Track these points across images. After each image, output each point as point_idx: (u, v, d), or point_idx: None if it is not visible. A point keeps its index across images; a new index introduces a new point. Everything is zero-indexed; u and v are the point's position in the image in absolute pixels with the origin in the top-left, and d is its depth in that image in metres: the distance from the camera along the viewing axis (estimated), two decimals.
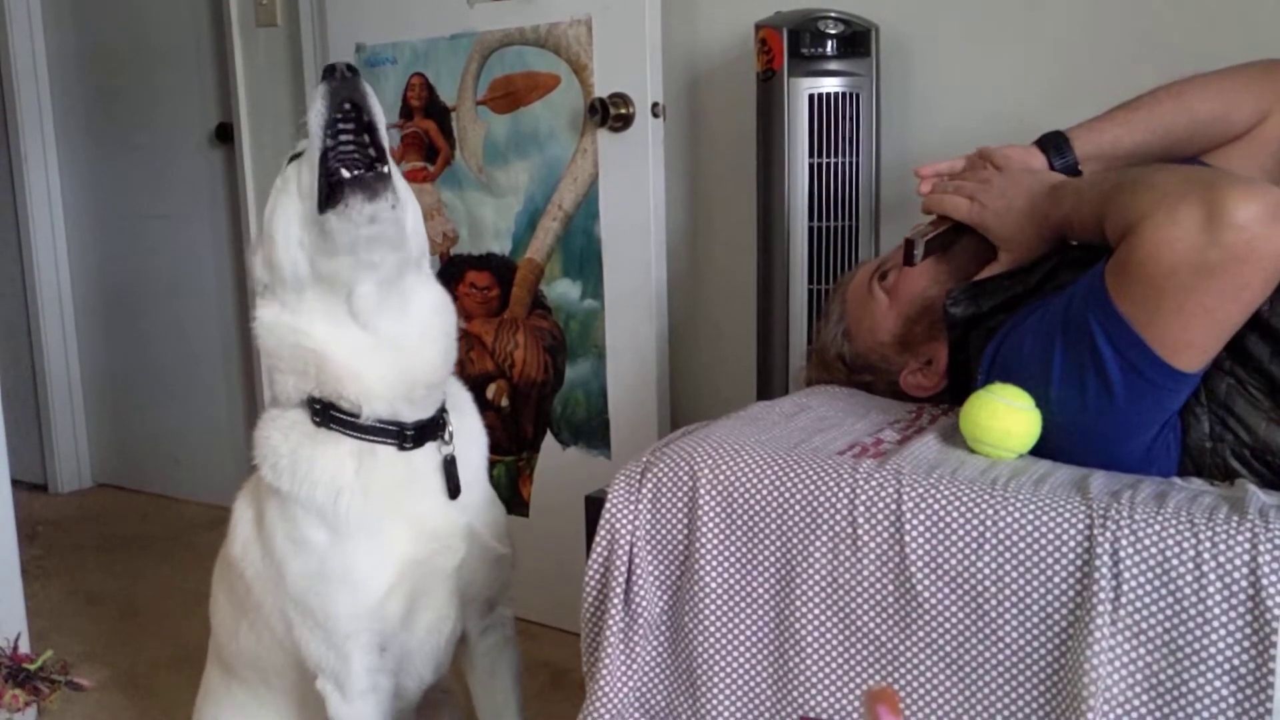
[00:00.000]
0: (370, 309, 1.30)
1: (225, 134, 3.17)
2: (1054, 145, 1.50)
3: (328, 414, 1.33)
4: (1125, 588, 1.04)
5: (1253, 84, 1.49)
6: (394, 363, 1.32)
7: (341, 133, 1.25)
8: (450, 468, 1.38)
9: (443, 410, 1.40)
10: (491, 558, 1.45)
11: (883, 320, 1.57)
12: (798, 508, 1.20)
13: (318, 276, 1.29)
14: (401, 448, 1.35)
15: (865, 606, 1.16)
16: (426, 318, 1.36)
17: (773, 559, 1.21)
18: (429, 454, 1.37)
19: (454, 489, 1.39)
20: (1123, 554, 1.05)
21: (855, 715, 1.17)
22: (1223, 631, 1.01)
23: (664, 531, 1.27)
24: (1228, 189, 1.08)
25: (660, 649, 1.28)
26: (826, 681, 1.18)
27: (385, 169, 1.26)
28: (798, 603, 1.19)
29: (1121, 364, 1.16)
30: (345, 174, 1.24)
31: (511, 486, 2.50)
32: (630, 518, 1.28)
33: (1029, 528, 1.09)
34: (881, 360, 1.57)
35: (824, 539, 1.18)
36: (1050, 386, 1.24)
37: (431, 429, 1.37)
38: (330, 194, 1.24)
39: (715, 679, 1.23)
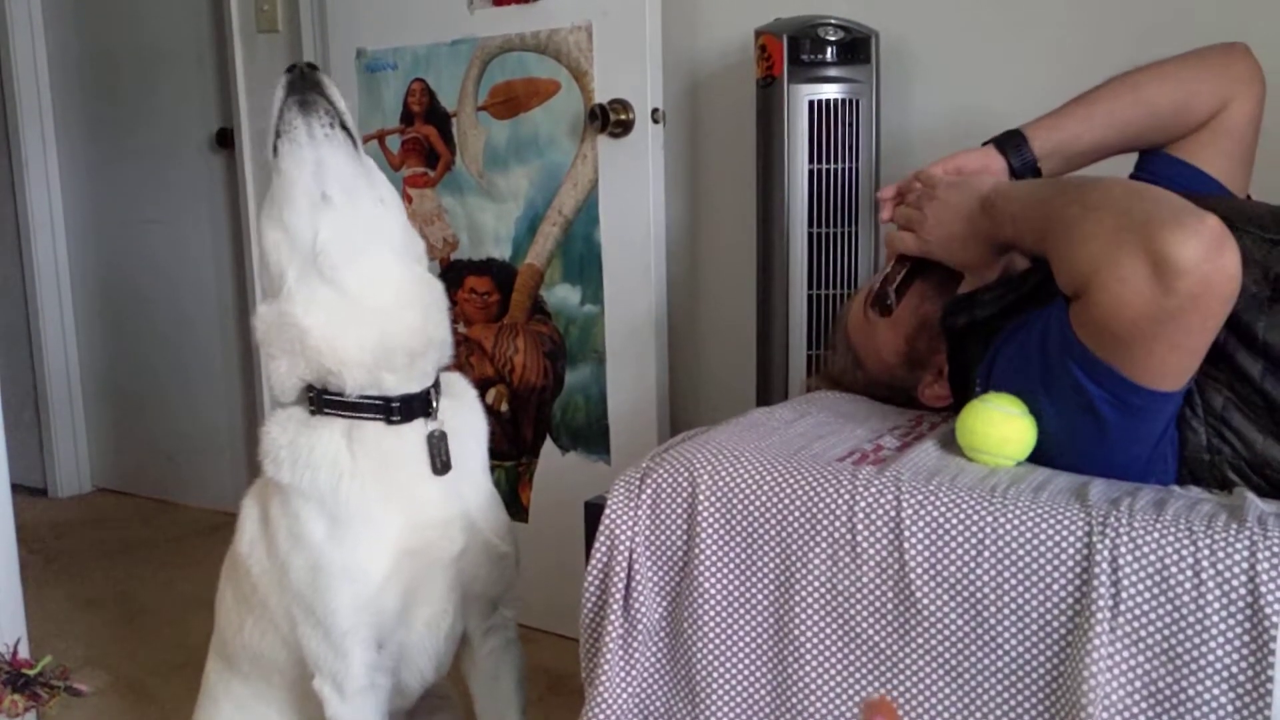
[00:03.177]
0: (335, 261, 1.33)
1: (226, 139, 3.17)
2: (1011, 144, 1.48)
3: (321, 400, 1.37)
4: (1124, 595, 1.04)
5: (1210, 72, 1.48)
6: (370, 327, 1.35)
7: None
8: (439, 443, 1.39)
9: (433, 389, 1.42)
10: (494, 555, 1.46)
11: (886, 343, 1.56)
12: (797, 514, 1.20)
13: (291, 246, 1.34)
14: (389, 421, 1.37)
15: (864, 613, 1.16)
16: (403, 285, 1.39)
17: (772, 565, 1.21)
18: (417, 429, 1.39)
19: (442, 465, 1.40)
20: (1121, 561, 1.05)
21: None
22: (1221, 639, 1.01)
23: (663, 537, 1.27)
24: (1162, 232, 1.05)
25: (659, 655, 1.28)
26: (825, 688, 1.18)
27: (316, 96, 1.33)
28: (797, 609, 1.19)
29: (1109, 400, 1.16)
30: (281, 93, 1.33)
31: (511, 491, 2.50)
32: (630, 524, 1.28)
33: (1028, 535, 1.09)
34: (895, 379, 1.57)
35: (823, 545, 1.18)
36: (1042, 423, 1.24)
37: (419, 405, 1.39)
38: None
39: (714, 685, 1.23)
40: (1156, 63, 1.48)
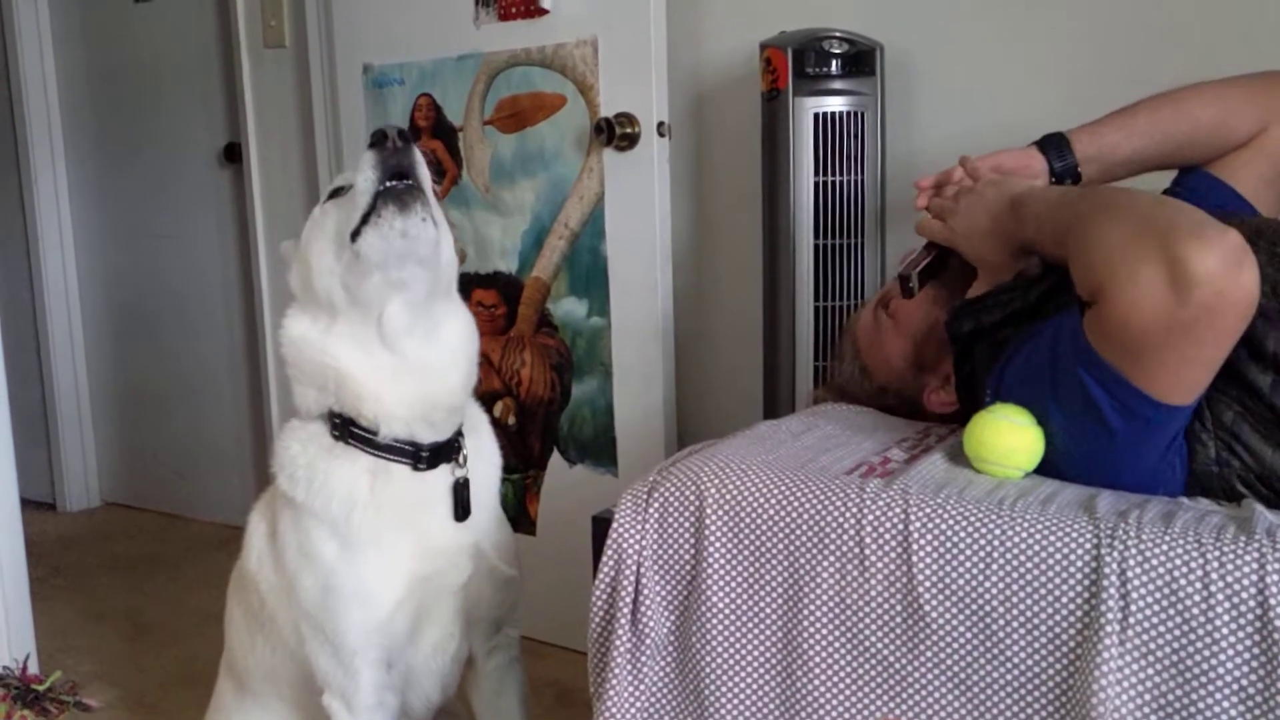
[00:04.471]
0: (399, 331, 1.32)
1: (233, 153, 3.19)
2: (1055, 147, 1.49)
3: (346, 429, 1.36)
4: (1133, 608, 1.04)
5: (1254, 94, 1.49)
6: (415, 386, 1.34)
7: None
8: (461, 491, 1.39)
9: (459, 434, 1.41)
10: (499, 579, 1.46)
11: (893, 346, 1.57)
12: (805, 527, 1.20)
13: (350, 300, 1.31)
14: (415, 468, 1.36)
15: (873, 627, 1.16)
16: (453, 344, 1.39)
17: (780, 579, 1.21)
18: (442, 475, 1.39)
19: (463, 512, 1.40)
20: (1130, 574, 1.05)
21: None
22: (1230, 652, 1.01)
23: (671, 551, 1.27)
24: (1183, 242, 1.06)
25: (667, 669, 1.28)
26: (834, 702, 1.18)
27: (414, 193, 1.28)
28: (805, 623, 1.19)
29: (1118, 408, 1.16)
30: (371, 173, 1.27)
31: (519, 504, 2.50)
32: (637, 537, 1.28)
33: (1036, 548, 1.09)
34: (902, 386, 1.58)
35: (831, 559, 1.18)
36: (1050, 434, 1.24)
37: (446, 451, 1.39)
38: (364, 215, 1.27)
39: (722, 699, 1.23)
40: (1200, 82, 1.50)
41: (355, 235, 1.27)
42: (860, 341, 1.64)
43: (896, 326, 1.57)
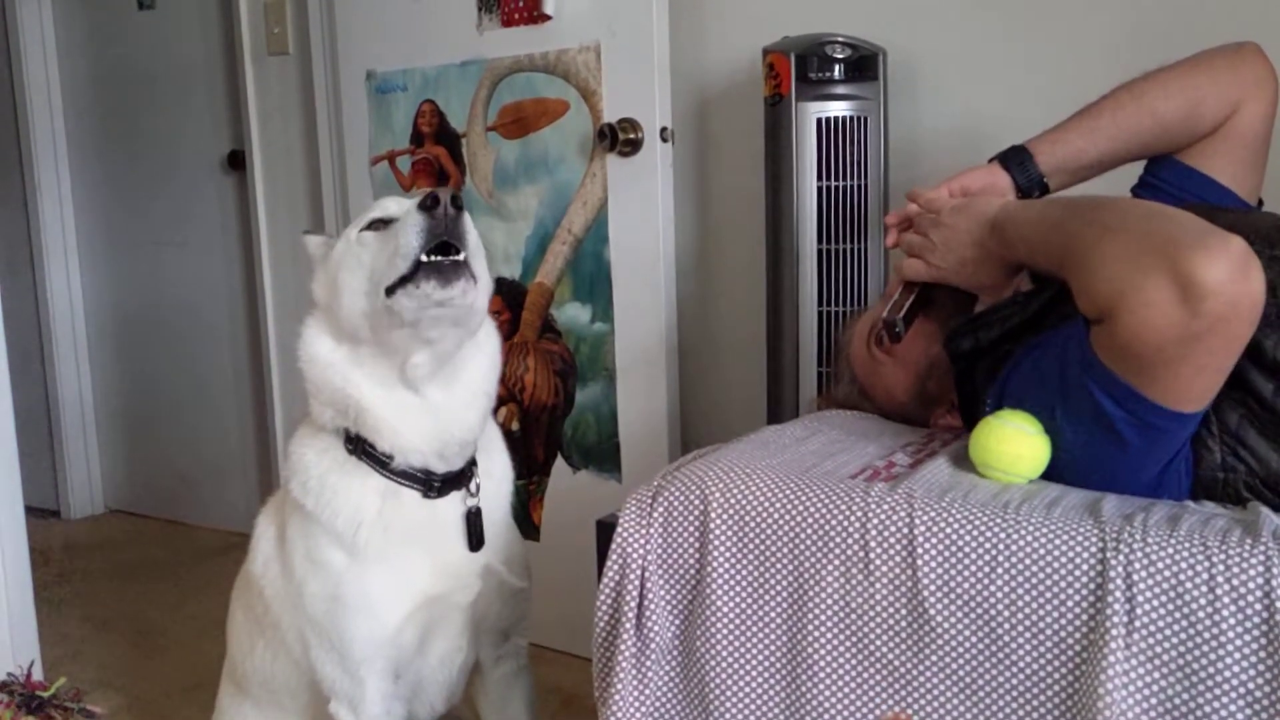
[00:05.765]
0: (422, 377, 1.32)
1: (237, 161, 3.19)
2: (1016, 161, 1.46)
3: (360, 446, 1.36)
4: (1139, 611, 1.04)
5: (1218, 76, 1.44)
6: (434, 425, 1.34)
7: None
8: (474, 520, 1.39)
9: (472, 461, 1.41)
10: (508, 592, 1.46)
11: (896, 384, 1.55)
12: (810, 532, 1.20)
13: (375, 340, 1.31)
14: (426, 495, 1.37)
15: (878, 631, 1.16)
16: (475, 384, 1.38)
17: (785, 583, 1.21)
18: (453, 503, 1.39)
19: (476, 542, 1.40)
20: (1136, 577, 1.04)
21: None
22: (1237, 655, 1.00)
23: (675, 556, 1.27)
24: (1188, 255, 1.04)
25: (672, 674, 1.27)
26: (840, 706, 1.18)
27: (462, 255, 1.25)
28: (810, 627, 1.19)
29: (1131, 420, 1.15)
30: (422, 257, 1.24)
31: (523, 510, 2.50)
32: (642, 542, 1.28)
33: (1042, 551, 1.09)
34: (907, 413, 1.56)
35: (836, 563, 1.18)
36: (1058, 443, 1.23)
37: (458, 479, 1.39)
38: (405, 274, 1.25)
39: (728, 704, 1.23)
40: (1162, 69, 1.46)
41: (391, 290, 1.26)
42: (857, 368, 1.62)
43: (895, 361, 1.54)
